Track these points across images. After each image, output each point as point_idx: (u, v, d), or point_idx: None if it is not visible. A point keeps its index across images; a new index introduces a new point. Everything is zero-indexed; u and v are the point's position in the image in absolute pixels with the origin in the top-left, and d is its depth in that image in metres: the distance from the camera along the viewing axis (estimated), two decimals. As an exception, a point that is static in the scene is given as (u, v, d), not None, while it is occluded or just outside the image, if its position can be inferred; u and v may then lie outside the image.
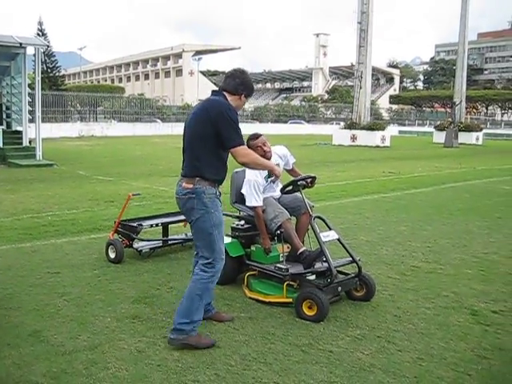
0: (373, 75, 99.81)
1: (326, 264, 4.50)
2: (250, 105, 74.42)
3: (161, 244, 6.40)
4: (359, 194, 11.40)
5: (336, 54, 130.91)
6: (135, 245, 6.18)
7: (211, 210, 3.68)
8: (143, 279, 5.35)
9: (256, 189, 5.03)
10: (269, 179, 5.11)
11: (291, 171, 5.44)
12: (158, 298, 4.78)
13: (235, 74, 3.87)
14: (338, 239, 4.68)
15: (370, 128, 30.45)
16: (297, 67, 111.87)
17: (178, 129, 44.03)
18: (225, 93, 3.80)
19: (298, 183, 4.79)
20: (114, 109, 46.90)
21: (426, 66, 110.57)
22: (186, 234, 6.55)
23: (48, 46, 48.40)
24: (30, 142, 18.43)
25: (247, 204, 5.11)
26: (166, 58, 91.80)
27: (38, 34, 52.80)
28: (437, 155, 24.25)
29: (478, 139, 37.02)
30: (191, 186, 3.67)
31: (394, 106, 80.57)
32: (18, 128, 19.05)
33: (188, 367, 3.45)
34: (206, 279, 3.73)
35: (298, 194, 4.90)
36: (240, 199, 5.32)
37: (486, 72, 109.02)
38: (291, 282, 4.62)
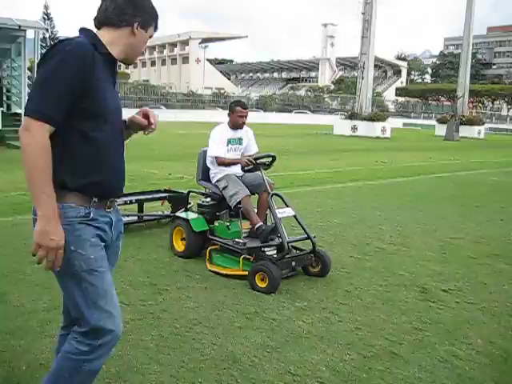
0: (380, 67, 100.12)
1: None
2: (255, 94, 74.47)
3: (135, 220, 6.61)
4: (345, 180, 11.55)
5: (344, 45, 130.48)
6: None
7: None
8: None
9: (219, 141, 5.37)
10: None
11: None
12: (124, 269, 4.95)
13: None
14: (295, 216, 4.87)
15: (371, 119, 30.51)
16: (304, 57, 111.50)
17: (183, 115, 44.29)
18: (103, 29, 2.19)
19: (258, 161, 5.09)
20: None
21: (434, 59, 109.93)
22: (162, 212, 6.80)
23: (47, 30, 48.56)
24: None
25: (208, 154, 5.42)
26: (173, 44, 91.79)
27: (44, 18, 53.05)
28: (435, 147, 24.30)
29: (479, 133, 36.97)
30: None
31: (400, 99, 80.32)
32: (18, 110, 19.23)
33: (135, 328, 3.66)
34: (79, 355, 2.17)
35: (258, 172, 5.16)
36: (206, 177, 5.55)
37: (494, 66, 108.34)
38: (248, 256, 4.83)
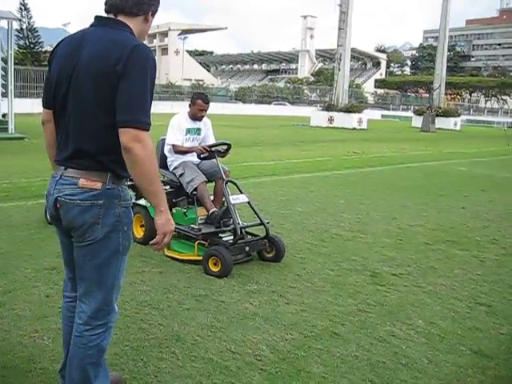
0: (359, 59, 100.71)
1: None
2: (234, 85, 74.35)
3: None
4: (313, 170, 11.68)
5: (323, 37, 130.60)
6: None
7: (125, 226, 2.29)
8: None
9: (177, 129, 5.43)
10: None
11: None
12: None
13: None
14: (248, 202, 5.00)
15: (347, 110, 30.69)
16: (284, 49, 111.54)
17: (160, 107, 44.01)
18: (121, 17, 2.23)
19: (213, 149, 5.22)
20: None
21: (414, 52, 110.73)
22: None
23: (20, 20, 47.82)
24: (3, 116, 18.41)
25: (166, 142, 5.50)
26: (152, 36, 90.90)
27: (20, 9, 52.17)
28: (410, 138, 24.57)
29: (456, 124, 37.41)
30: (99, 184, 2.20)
31: (379, 91, 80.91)
32: (-9, 99, 18.99)
33: (84, 312, 3.71)
34: (97, 338, 2.34)
35: (214, 160, 5.26)
36: (164, 164, 5.62)
37: (473, 59, 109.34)
38: (202, 242, 4.93)
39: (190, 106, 5.56)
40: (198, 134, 5.63)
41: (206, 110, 5.54)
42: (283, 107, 57.06)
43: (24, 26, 53.31)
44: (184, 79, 67.95)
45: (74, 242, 2.30)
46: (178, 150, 5.40)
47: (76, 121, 2.19)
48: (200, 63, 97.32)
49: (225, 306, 3.91)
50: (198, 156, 5.30)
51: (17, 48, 54.32)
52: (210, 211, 5.11)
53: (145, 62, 2.08)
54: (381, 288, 4.47)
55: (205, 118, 5.65)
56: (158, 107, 42.69)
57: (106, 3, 2.25)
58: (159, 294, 4.09)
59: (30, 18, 54.11)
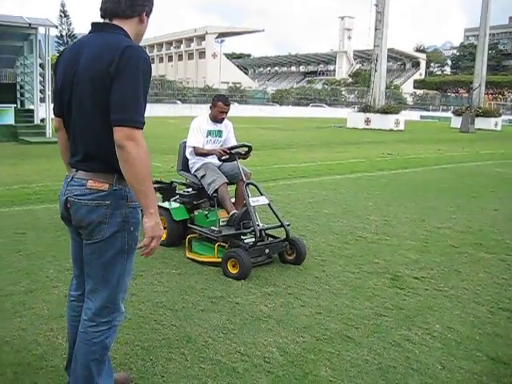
0: (398, 59, 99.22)
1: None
2: (272, 88, 74.38)
3: None
4: (344, 172, 11.56)
5: (361, 38, 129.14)
6: None
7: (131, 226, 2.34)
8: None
9: (197, 131, 5.45)
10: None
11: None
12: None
13: None
14: (268, 204, 4.99)
15: (384, 111, 30.24)
16: (322, 50, 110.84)
17: (197, 110, 44.51)
18: (116, 21, 2.27)
19: (233, 151, 5.22)
20: (134, 90, 47.40)
21: (455, 51, 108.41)
22: None
23: (56, 27, 49.10)
24: (42, 121, 18.96)
25: (187, 144, 5.53)
26: (190, 40, 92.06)
27: (61, 16, 53.60)
28: (447, 139, 24.04)
29: (496, 125, 36.35)
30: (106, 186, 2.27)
31: (419, 91, 79.47)
32: (31, 106, 19.59)
33: (100, 312, 3.78)
34: (100, 335, 2.40)
35: (235, 162, 5.26)
36: (186, 167, 5.69)
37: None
38: (222, 243, 4.94)
39: (210, 108, 5.58)
40: (219, 137, 5.64)
41: (226, 113, 5.55)
42: (321, 109, 56.78)
43: (64, 33, 54.72)
44: (221, 82, 68.41)
45: (83, 240, 2.39)
46: (199, 152, 5.43)
47: (80, 125, 2.28)
48: (237, 66, 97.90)
49: (239, 308, 3.91)
50: (219, 158, 5.32)
51: (57, 54, 55.90)
52: (230, 213, 5.12)
53: (137, 62, 2.12)
54: (400, 291, 4.39)
55: (226, 121, 5.66)
56: (195, 110, 43.23)
57: (100, 9, 2.30)
58: (176, 296, 4.12)
59: (70, 24, 55.65)
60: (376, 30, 30.55)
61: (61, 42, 55.04)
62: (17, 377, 2.89)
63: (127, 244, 2.33)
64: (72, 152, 2.38)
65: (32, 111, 19.12)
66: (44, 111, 18.22)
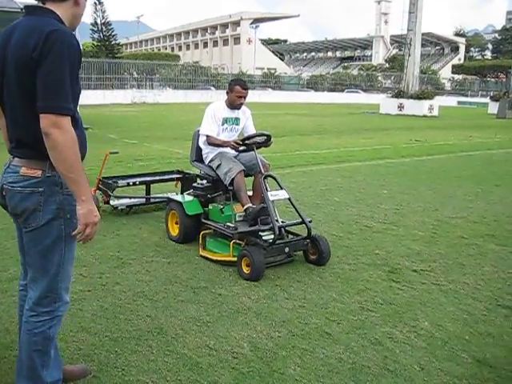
0: (436, 44, 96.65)
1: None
2: (307, 73, 73.67)
3: (140, 202, 6.45)
4: (365, 159, 11.27)
5: (398, 22, 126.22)
6: (112, 201, 6.21)
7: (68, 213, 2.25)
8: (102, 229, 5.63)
9: (212, 119, 5.05)
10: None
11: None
12: (99, 243, 5.03)
13: None
14: (289, 199, 4.59)
15: (418, 97, 29.50)
16: (358, 35, 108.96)
17: (229, 96, 44.37)
18: (48, 4, 2.17)
19: (247, 142, 4.85)
20: (169, 76, 47.63)
21: (496, 35, 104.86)
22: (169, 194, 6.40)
23: (95, 15, 50.07)
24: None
25: (200, 132, 5.14)
26: (225, 25, 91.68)
27: (95, 3, 54.06)
28: (481, 126, 23.24)
29: (537, 110, 35.04)
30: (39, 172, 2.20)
31: (457, 76, 77.25)
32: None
33: (81, 298, 3.74)
34: (42, 325, 2.33)
35: (253, 153, 4.87)
36: (199, 157, 5.33)
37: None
38: (238, 241, 4.58)
39: (227, 93, 5.14)
40: (237, 124, 5.22)
41: (244, 98, 5.10)
42: (356, 95, 55.89)
43: (98, 21, 55.23)
44: (256, 68, 68.03)
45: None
46: (212, 143, 5.04)
47: (10, 112, 2.24)
48: (273, 52, 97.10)
49: (220, 300, 3.79)
50: (235, 150, 4.96)
51: (92, 41, 56.53)
52: (245, 207, 4.73)
53: (61, 46, 2.02)
54: (394, 285, 4.18)
55: (244, 107, 5.25)
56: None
57: None
58: (159, 285, 4.03)
59: (104, 12, 55.96)
60: (410, 13, 29.74)
61: (95, 29, 55.53)
62: (-24, 366, 2.84)
63: (64, 232, 2.25)
64: (9, 138, 2.32)
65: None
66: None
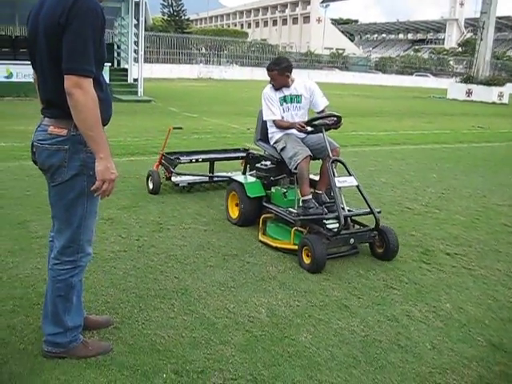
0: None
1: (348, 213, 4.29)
2: (376, 55, 71.95)
3: (201, 180, 6.30)
4: (422, 143, 11.06)
5: (474, 5, 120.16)
6: (173, 178, 6.13)
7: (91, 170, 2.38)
8: (148, 197, 5.88)
9: (270, 102, 4.83)
10: None
11: (321, 113, 4.86)
12: (143, 209, 5.28)
13: None
14: (357, 186, 4.30)
15: (488, 83, 28.31)
16: (432, 17, 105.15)
17: (296, 75, 44.20)
18: None
19: (316, 122, 4.53)
20: (236, 53, 47.87)
21: None
22: (231, 172, 6.22)
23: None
24: (135, 80, 19.69)
25: (264, 118, 4.92)
26: (295, 4, 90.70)
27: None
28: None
29: None
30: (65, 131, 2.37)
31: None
32: (126, 66, 20.42)
33: (116, 258, 3.98)
34: (65, 273, 2.56)
35: (321, 134, 4.57)
36: (264, 137, 5.09)
37: None
38: (300, 228, 4.36)
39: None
40: (298, 102, 4.88)
41: (275, 78, 4.80)
42: (425, 78, 54.26)
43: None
44: (324, 48, 67.14)
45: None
46: (280, 126, 4.81)
47: (41, 76, 2.43)
48: (343, 32, 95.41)
49: (248, 267, 3.92)
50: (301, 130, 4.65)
51: (162, 16, 57.34)
52: (303, 198, 4.46)
53: (85, 13, 2.19)
54: (424, 266, 4.17)
55: (305, 82, 4.96)
56: (293, 75, 42.96)
57: None
58: (191, 250, 4.21)
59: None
60: (485, -6, 28.41)
61: (166, 4, 56.34)
62: (14, 309, 3.10)
63: (86, 187, 2.42)
64: (41, 100, 2.51)
65: (126, 70, 19.93)
66: (136, 72, 18.98)
